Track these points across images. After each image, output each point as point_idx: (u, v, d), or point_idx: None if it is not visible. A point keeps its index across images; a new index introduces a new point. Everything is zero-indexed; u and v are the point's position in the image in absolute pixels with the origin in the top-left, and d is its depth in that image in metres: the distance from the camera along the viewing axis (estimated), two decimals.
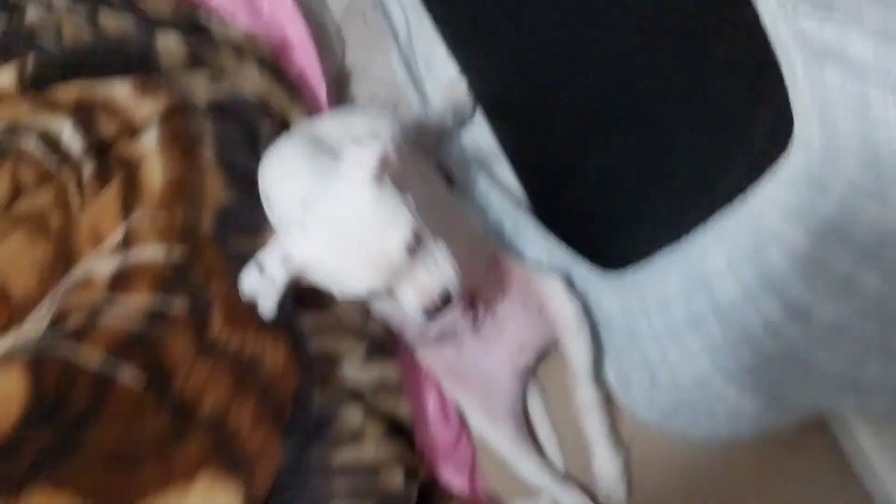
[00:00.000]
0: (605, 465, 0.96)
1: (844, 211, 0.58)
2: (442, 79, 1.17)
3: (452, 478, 0.98)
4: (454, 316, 1.01)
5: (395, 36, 1.26)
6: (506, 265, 1.00)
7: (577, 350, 0.95)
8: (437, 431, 1.00)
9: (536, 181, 1.06)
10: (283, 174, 0.86)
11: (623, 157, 0.86)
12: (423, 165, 0.96)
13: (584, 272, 0.96)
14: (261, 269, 0.72)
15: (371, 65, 1.35)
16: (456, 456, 1.01)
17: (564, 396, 0.99)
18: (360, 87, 1.32)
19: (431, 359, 1.04)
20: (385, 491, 0.83)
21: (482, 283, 1.00)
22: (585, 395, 0.96)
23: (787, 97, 0.59)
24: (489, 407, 0.99)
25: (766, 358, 0.74)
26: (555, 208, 1.03)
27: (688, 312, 0.80)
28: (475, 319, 1.04)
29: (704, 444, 0.98)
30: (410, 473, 0.88)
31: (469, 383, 1.02)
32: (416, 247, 0.71)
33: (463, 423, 1.02)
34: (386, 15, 1.26)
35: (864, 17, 0.53)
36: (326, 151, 0.86)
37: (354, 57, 1.35)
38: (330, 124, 0.94)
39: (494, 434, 0.97)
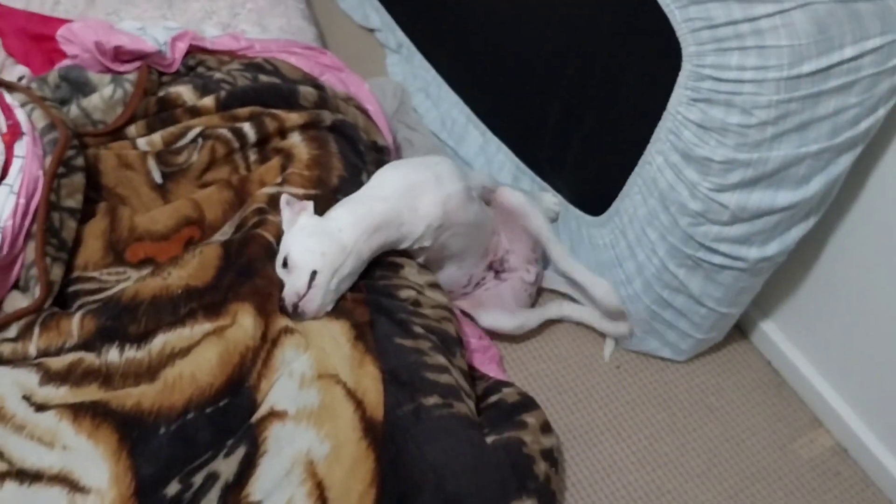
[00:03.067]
0: (598, 286, 1.49)
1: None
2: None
3: (487, 368, 1.45)
4: (482, 273, 1.54)
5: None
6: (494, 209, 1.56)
7: (537, 223, 1.51)
8: (474, 343, 1.48)
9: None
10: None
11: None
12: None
13: (578, 217, 1.53)
14: None
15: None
16: (488, 354, 1.49)
17: None
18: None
19: (463, 302, 1.54)
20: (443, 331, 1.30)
21: (494, 246, 1.54)
22: (556, 249, 1.50)
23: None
24: (507, 310, 1.49)
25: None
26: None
27: (646, 211, 1.34)
28: (495, 271, 1.56)
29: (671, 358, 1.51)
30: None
31: (492, 303, 1.52)
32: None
33: (490, 337, 1.52)
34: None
35: None
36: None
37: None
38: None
39: (514, 320, 1.48)
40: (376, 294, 1.31)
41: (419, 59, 2.06)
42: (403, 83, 2.07)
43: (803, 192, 1.24)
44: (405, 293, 1.34)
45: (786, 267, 1.48)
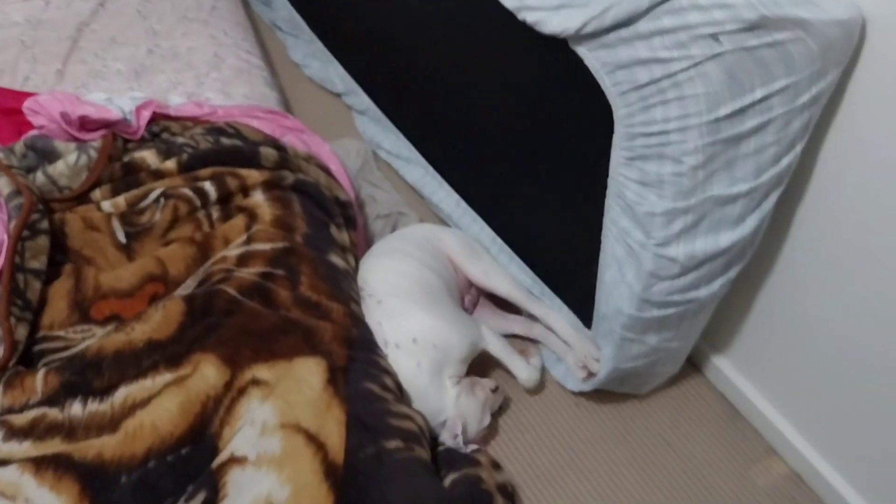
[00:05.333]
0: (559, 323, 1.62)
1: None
2: None
3: None
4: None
5: None
6: None
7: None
8: None
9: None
10: None
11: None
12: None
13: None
14: None
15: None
16: None
17: None
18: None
19: None
20: None
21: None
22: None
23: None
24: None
25: None
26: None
27: (610, 285, 1.41)
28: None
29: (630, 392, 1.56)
30: None
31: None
32: None
33: None
34: None
35: None
36: None
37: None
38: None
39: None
40: (362, 331, 1.40)
41: (387, 122, 2.14)
42: (375, 142, 2.14)
43: (741, 230, 1.30)
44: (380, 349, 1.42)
45: (734, 304, 1.55)
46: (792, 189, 1.34)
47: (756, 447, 1.58)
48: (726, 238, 1.30)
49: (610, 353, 1.51)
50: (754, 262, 1.47)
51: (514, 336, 1.72)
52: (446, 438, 1.42)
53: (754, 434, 1.60)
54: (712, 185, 1.25)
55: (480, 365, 1.58)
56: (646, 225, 1.31)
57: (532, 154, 1.59)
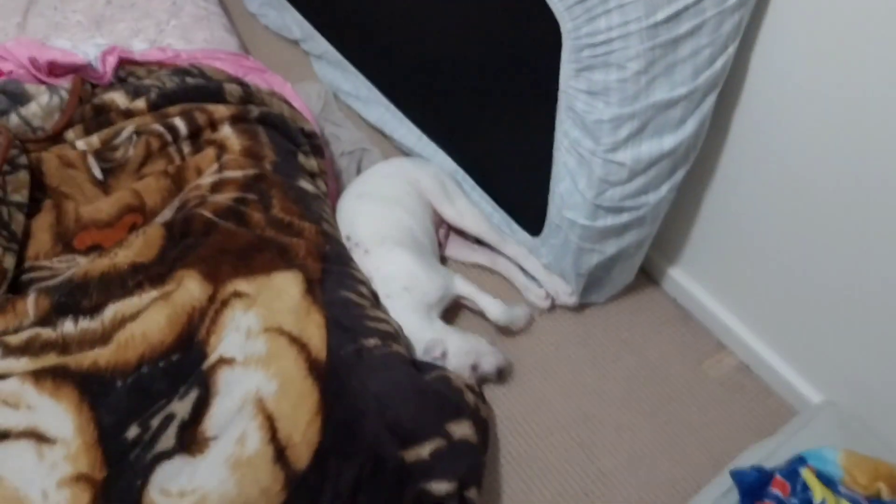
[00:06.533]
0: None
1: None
2: None
3: None
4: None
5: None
6: None
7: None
8: None
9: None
10: None
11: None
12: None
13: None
14: None
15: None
16: None
17: None
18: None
19: None
20: None
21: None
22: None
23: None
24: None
25: None
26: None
27: (563, 195, 1.51)
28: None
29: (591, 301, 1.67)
30: None
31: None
32: None
33: None
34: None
35: None
36: None
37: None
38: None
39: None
40: (334, 247, 1.48)
41: (345, 63, 2.20)
42: (335, 85, 2.21)
43: (683, 132, 1.41)
44: (354, 262, 1.52)
45: (680, 211, 1.66)
46: (728, 93, 1.44)
47: (707, 343, 1.70)
48: (669, 141, 1.40)
49: (569, 263, 1.62)
50: (697, 168, 1.57)
51: (479, 266, 1.83)
52: (422, 354, 1.52)
53: (705, 332, 1.72)
54: (654, 91, 1.34)
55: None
56: (595, 133, 1.41)
57: (486, 81, 1.67)
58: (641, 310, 1.75)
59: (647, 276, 1.82)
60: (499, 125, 1.72)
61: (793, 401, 1.60)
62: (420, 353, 1.50)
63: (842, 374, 1.50)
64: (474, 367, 1.54)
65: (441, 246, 1.82)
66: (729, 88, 1.44)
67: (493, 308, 1.65)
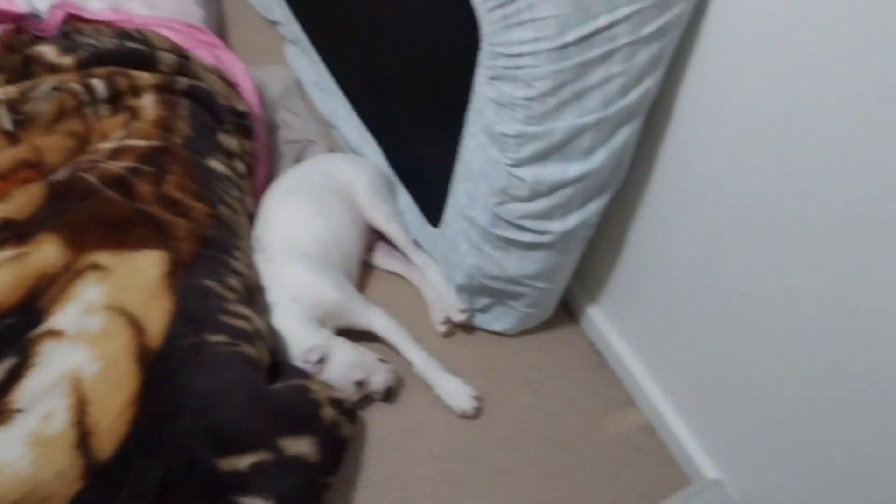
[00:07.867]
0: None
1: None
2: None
3: None
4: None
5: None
6: None
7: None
8: None
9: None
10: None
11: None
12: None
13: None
14: None
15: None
16: None
17: None
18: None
19: None
20: None
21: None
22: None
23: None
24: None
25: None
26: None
27: (465, 198, 1.41)
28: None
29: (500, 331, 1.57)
30: None
31: None
32: None
33: None
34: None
35: None
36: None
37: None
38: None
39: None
40: (222, 233, 1.41)
41: (313, 52, 2.15)
42: (300, 73, 2.16)
43: (590, 163, 1.30)
44: (242, 252, 1.43)
45: (603, 250, 1.55)
46: (654, 131, 1.33)
47: (616, 395, 1.59)
48: (575, 169, 1.30)
49: (464, 260, 1.55)
50: (621, 206, 1.46)
51: (395, 274, 1.75)
52: (298, 359, 1.43)
53: (616, 383, 1.60)
54: (562, 115, 1.24)
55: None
56: (500, 144, 1.32)
57: (416, 77, 1.59)
58: (554, 349, 1.64)
59: (569, 312, 1.70)
60: (426, 121, 1.63)
61: (690, 471, 1.48)
62: (297, 358, 1.42)
63: (738, 454, 1.37)
64: (360, 383, 1.45)
65: (370, 251, 1.75)
66: (654, 124, 1.33)
67: (419, 361, 1.54)
